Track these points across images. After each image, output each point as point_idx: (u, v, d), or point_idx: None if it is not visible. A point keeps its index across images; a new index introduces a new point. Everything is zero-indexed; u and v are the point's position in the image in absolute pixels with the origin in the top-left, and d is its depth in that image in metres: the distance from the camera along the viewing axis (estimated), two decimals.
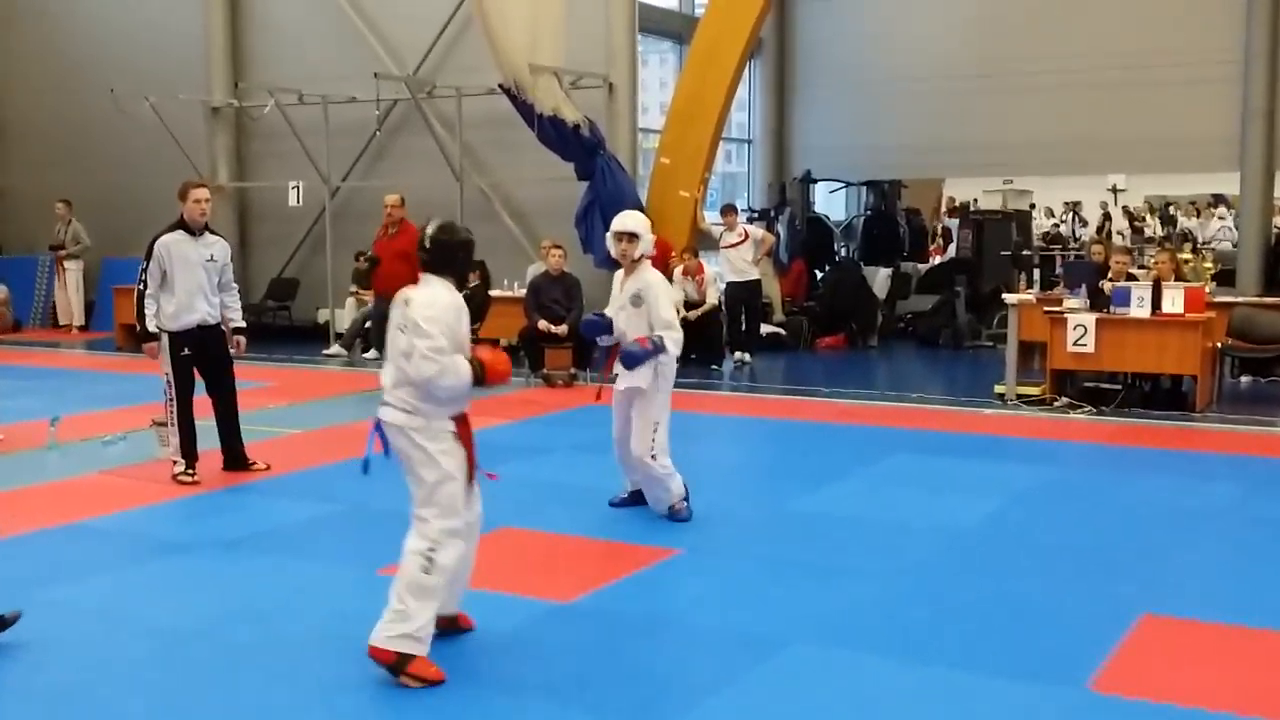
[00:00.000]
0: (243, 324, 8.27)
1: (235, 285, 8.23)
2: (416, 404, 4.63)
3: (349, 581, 5.79)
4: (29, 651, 4.88)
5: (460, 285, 4.77)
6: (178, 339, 7.78)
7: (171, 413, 7.87)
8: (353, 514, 7.14)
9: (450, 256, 4.75)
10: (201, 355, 7.92)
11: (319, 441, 9.43)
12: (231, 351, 8.16)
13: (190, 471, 7.83)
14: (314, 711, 4.31)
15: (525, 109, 13.89)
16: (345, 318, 15.45)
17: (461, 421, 4.78)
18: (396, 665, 4.49)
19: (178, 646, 4.91)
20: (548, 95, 13.78)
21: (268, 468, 8.17)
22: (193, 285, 7.76)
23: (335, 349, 14.99)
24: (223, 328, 8.06)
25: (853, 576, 5.81)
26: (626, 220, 6.81)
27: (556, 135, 13.88)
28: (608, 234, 6.83)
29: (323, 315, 16.23)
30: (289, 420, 10.33)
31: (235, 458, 8.16)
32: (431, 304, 4.58)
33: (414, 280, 4.69)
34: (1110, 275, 10.99)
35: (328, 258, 16.10)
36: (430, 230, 4.77)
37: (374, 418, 4.74)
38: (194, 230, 7.80)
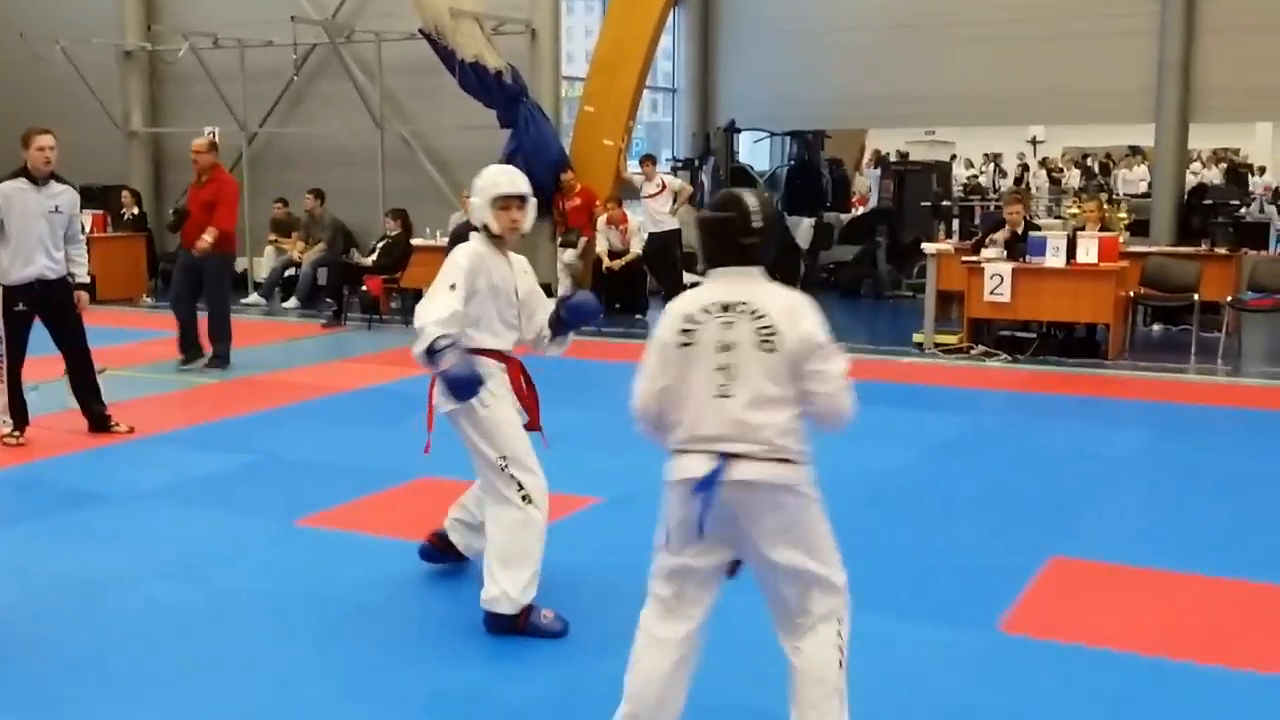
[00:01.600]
0: (87, 279, 7.74)
1: (82, 238, 7.74)
2: None
3: (268, 533, 5.73)
4: None
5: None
6: (11, 293, 7.35)
7: (1, 370, 7.46)
8: (268, 464, 7.06)
9: None
10: (44, 312, 7.50)
11: (235, 391, 9.30)
12: (79, 309, 7.65)
13: (17, 434, 7.44)
14: (233, 666, 4.27)
15: (446, 55, 13.66)
16: (265, 266, 15.21)
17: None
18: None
19: (93, 599, 4.84)
20: (469, 41, 13.57)
21: (130, 430, 7.74)
22: (32, 237, 7.33)
23: (254, 297, 14.76)
24: (68, 281, 7.56)
25: None
26: (518, 179, 4.76)
27: (478, 82, 13.68)
28: (491, 197, 4.69)
29: (241, 263, 15.92)
30: (206, 370, 10.17)
31: (96, 419, 7.75)
32: None
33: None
34: (1006, 225, 11.11)
35: (245, 205, 15.78)
36: None
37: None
38: (37, 179, 7.41)
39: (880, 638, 4.43)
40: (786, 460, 3.20)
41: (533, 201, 4.77)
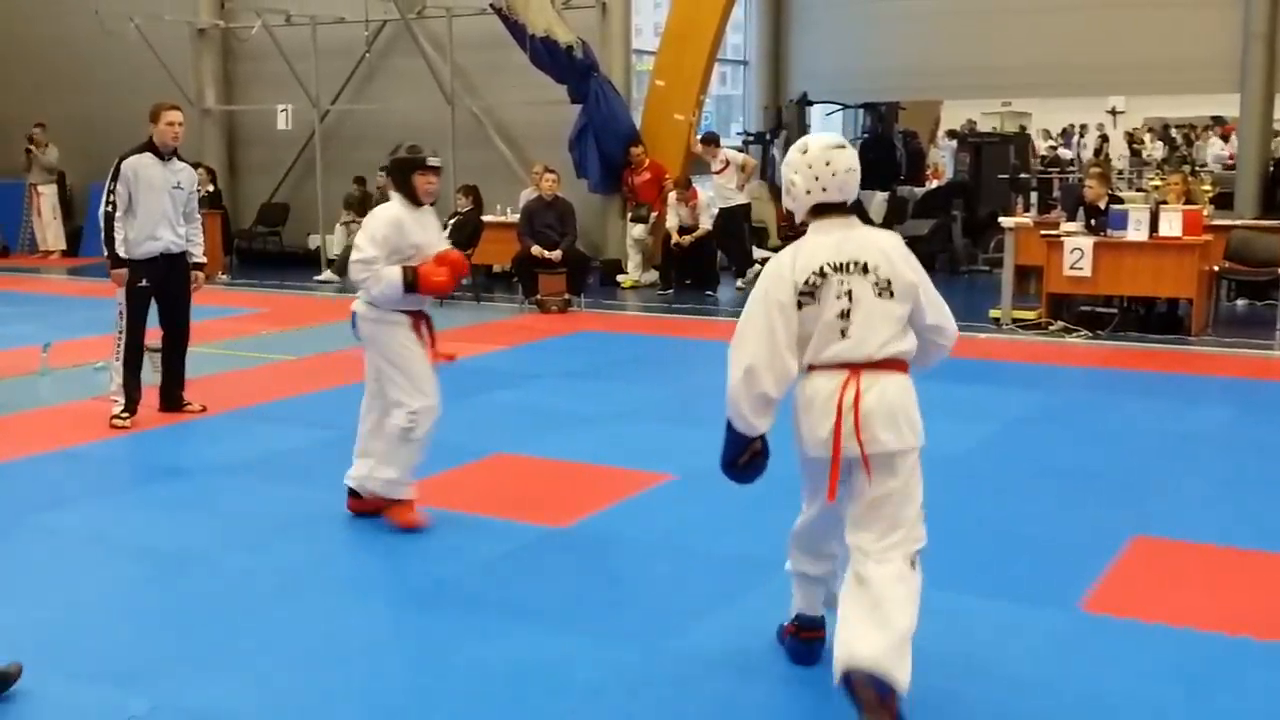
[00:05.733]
0: (204, 259, 7.77)
1: (199, 218, 7.73)
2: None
3: (344, 506, 5.79)
4: (24, 577, 4.89)
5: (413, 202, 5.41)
6: (136, 268, 7.34)
7: (119, 347, 7.41)
8: (346, 440, 7.12)
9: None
10: (161, 288, 7.49)
11: (310, 368, 9.41)
12: (192, 288, 7.68)
13: (126, 414, 7.39)
14: (313, 636, 4.32)
15: (517, 30, 13.69)
16: (336, 243, 15.35)
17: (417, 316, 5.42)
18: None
19: (175, 572, 4.93)
20: (540, 16, 13.57)
21: (203, 409, 7.73)
22: (157, 211, 7.33)
23: (327, 274, 14.92)
24: (187, 259, 7.59)
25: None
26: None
27: (549, 57, 13.69)
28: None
29: (314, 241, 16.13)
30: (281, 347, 10.30)
31: (172, 399, 7.73)
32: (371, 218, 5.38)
33: None
34: (1087, 200, 10.91)
35: (318, 182, 15.96)
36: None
37: None
38: (163, 154, 7.41)
39: (960, 616, 4.38)
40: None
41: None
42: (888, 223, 16.25)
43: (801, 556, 4.03)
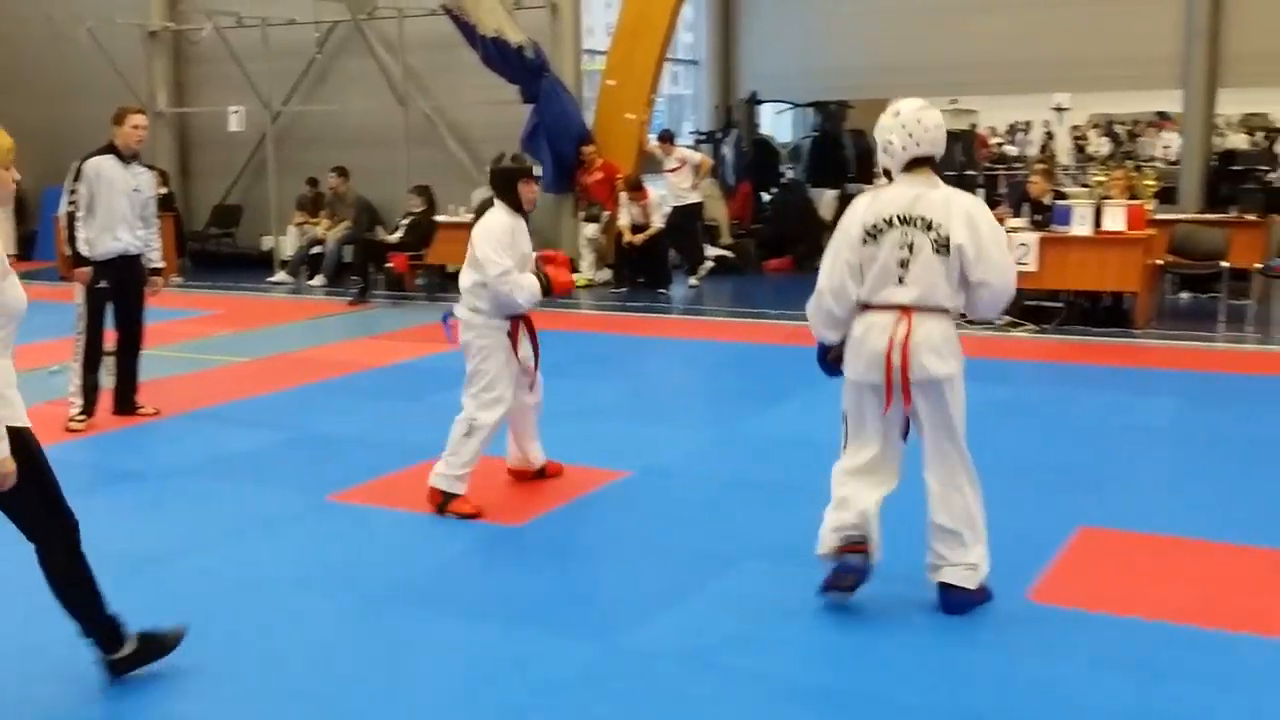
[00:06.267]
0: (161, 264, 7.77)
1: (157, 222, 7.73)
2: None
3: (301, 508, 5.81)
4: None
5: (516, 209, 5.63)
6: (96, 269, 7.36)
7: (78, 349, 7.43)
8: (300, 441, 7.14)
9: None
10: (118, 290, 7.51)
11: (264, 370, 9.39)
12: (148, 291, 7.67)
13: (83, 417, 7.40)
14: (270, 638, 4.34)
15: (468, 30, 13.68)
16: (289, 245, 15.29)
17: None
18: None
19: (136, 573, 4.92)
20: (490, 16, 13.57)
21: (156, 412, 7.73)
22: (117, 213, 7.37)
23: (281, 276, 14.86)
24: (143, 262, 7.60)
25: (802, 495, 5.88)
26: None
27: (500, 57, 13.69)
28: None
29: (267, 242, 16.04)
30: (235, 348, 10.26)
31: (125, 402, 7.71)
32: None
33: None
34: (1031, 195, 11.06)
35: (271, 184, 15.88)
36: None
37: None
38: (125, 157, 7.45)
39: (909, 606, 4.48)
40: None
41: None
42: (837, 221, 16.38)
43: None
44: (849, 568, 4.40)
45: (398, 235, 13.35)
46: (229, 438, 7.20)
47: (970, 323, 4.87)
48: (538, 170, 5.77)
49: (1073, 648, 4.15)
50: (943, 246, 4.16)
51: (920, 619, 4.42)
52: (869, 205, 4.28)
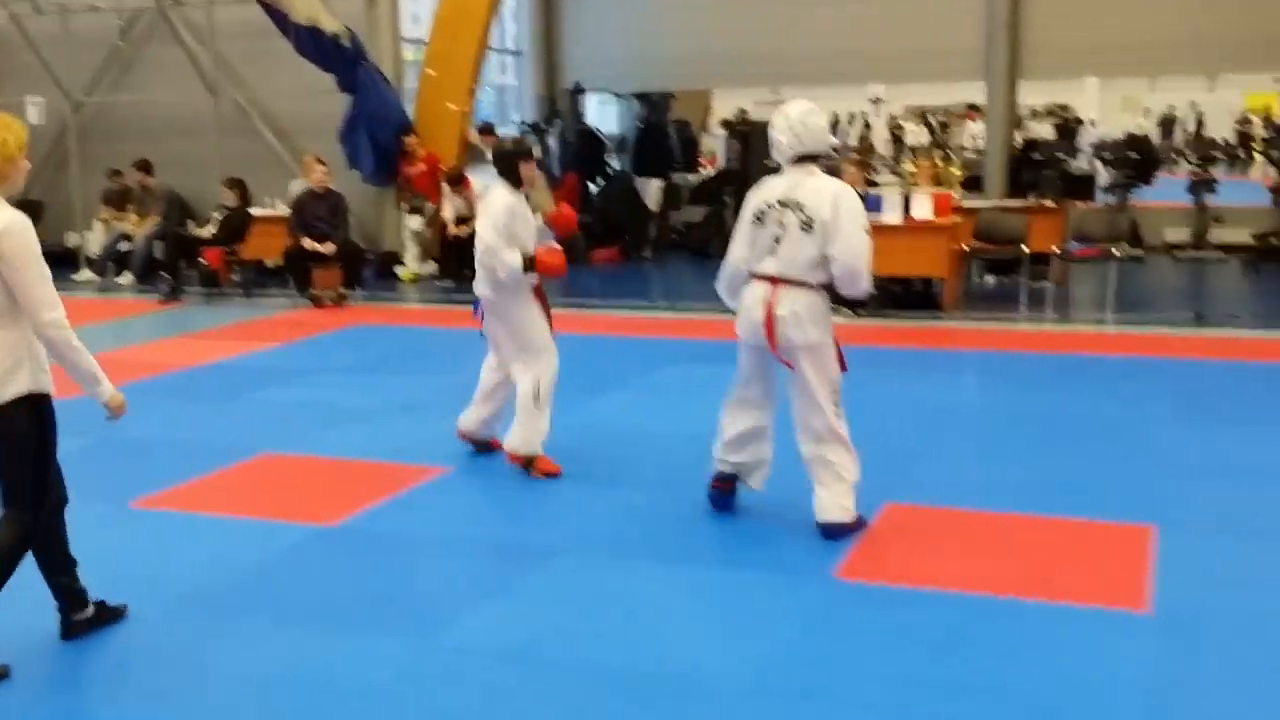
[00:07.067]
0: None
1: None
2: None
3: (103, 517, 5.58)
4: None
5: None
6: None
7: None
8: (103, 446, 6.86)
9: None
10: None
11: (65, 373, 8.97)
12: None
13: None
14: (69, 648, 4.17)
15: (279, 18, 13.34)
16: (95, 241, 14.67)
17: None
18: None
19: None
20: (303, 4, 13.26)
21: None
22: None
23: (87, 274, 14.25)
24: None
25: (621, 486, 5.95)
26: None
27: (315, 46, 13.39)
28: None
29: (72, 239, 15.36)
30: None
31: None
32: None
33: None
34: None
35: (74, 178, 15.21)
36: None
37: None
38: None
39: (720, 589, 4.56)
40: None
41: None
42: (664, 211, 16.56)
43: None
44: (714, 500, 5.45)
45: (210, 230, 12.93)
46: None
47: (837, 302, 5.42)
48: (537, 151, 6.09)
49: (873, 622, 4.29)
50: (808, 225, 4.96)
51: (733, 598, 4.50)
52: (759, 193, 5.15)
